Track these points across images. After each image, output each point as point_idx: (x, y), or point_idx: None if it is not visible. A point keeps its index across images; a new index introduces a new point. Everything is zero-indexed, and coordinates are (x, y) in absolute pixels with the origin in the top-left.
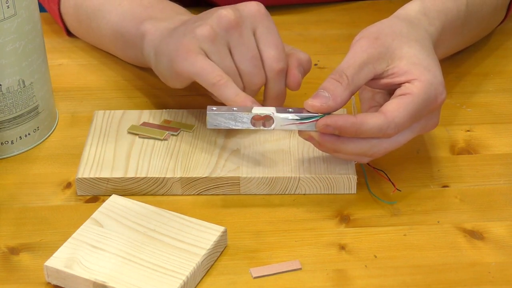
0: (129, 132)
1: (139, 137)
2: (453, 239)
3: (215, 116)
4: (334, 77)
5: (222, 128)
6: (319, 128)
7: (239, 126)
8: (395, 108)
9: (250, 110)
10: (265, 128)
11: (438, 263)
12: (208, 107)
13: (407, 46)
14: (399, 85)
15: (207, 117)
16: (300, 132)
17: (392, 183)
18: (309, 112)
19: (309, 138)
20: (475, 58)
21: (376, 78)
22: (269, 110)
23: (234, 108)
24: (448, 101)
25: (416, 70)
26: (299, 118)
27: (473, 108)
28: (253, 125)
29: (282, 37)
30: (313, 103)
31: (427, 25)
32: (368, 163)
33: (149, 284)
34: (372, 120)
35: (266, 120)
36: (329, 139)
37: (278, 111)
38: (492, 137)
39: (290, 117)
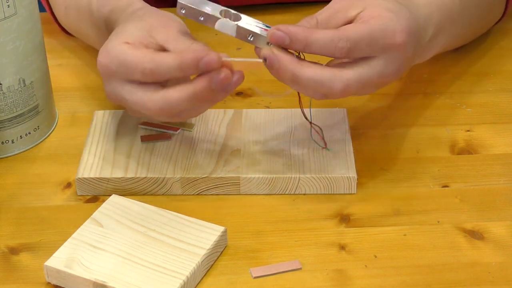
0: (141, 126)
1: (148, 142)
2: (453, 239)
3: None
4: (306, 18)
5: (191, 13)
6: (271, 33)
7: (208, 10)
8: (349, 26)
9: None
10: (229, 23)
11: (438, 263)
12: None
13: None
14: None
15: (177, 3)
16: (258, 50)
17: (324, 142)
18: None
19: (268, 56)
20: (475, 58)
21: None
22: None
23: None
24: (448, 101)
25: (386, 14)
26: (264, 25)
27: (473, 108)
28: (220, 14)
29: None
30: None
31: None
32: (307, 118)
33: (149, 284)
34: (323, 31)
35: (235, 16)
36: (287, 58)
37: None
38: (492, 137)
39: (257, 23)
